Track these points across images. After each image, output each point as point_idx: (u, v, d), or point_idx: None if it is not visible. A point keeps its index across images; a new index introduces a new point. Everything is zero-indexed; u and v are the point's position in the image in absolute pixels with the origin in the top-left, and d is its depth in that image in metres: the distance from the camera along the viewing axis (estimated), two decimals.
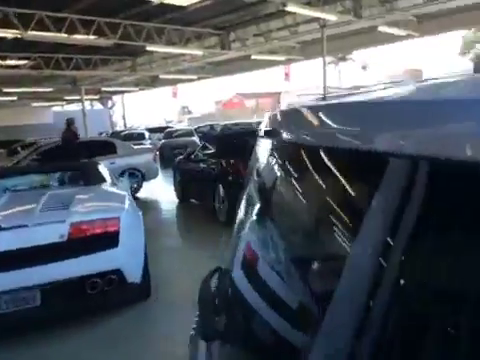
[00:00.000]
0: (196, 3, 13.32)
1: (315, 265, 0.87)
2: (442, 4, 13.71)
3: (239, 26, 16.78)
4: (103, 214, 3.69)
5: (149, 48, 15.91)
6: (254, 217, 1.19)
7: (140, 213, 4.22)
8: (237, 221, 1.39)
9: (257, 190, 1.20)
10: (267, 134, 0.89)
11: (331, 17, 13.41)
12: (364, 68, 52.79)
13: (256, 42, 17.78)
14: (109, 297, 3.57)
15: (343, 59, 46.59)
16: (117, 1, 12.45)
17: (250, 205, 1.29)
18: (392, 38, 17.00)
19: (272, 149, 0.99)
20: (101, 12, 13.29)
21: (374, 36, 16.69)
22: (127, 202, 4.12)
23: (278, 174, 0.98)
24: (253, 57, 19.41)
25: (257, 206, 1.19)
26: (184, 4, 13.46)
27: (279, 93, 40.74)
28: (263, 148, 1.20)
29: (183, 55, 19.34)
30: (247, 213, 1.30)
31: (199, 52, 17.55)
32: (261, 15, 15.30)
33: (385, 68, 75.86)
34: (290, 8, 11.86)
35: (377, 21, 14.78)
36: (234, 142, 8.22)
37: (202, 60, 20.60)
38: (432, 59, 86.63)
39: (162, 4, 13.09)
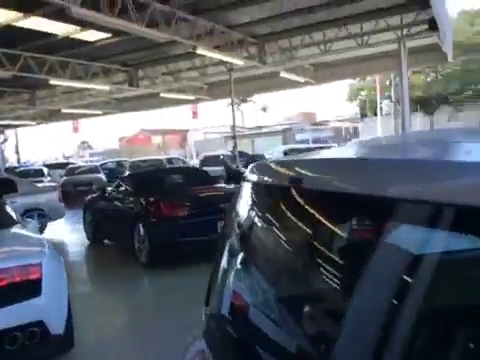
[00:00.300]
0: (103, 39, 13.20)
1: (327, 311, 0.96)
2: (334, 56, 15.32)
3: (148, 64, 16.88)
4: (23, 260, 3.39)
5: (52, 82, 15.22)
6: (262, 264, 1.24)
7: (61, 257, 3.95)
8: (221, 269, 1.42)
9: (260, 234, 1.26)
10: (292, 182, 0.98)
11: (238, 62, 14.16)
12: (264, 110, 55.98)
13: (165, 81, 17.99)
14: (30, 352, 3.24)
15: (245, 101, 48.89)
16: (18, 32, 11.81)
17: (245, 251, 1.34)
18: (292, 83, 18.38)
19: (287, 196, 1.07)
20: None
21: (277, 81, 17.90)
22: (47, 246, 3.85)
23: (298, 219, 1.06)
24: (162, 95, 19.54)
25: (264, 253, 1.24)
26: (91, 40, 13.26)
27: (186, 130, 41.19)
28: (260, 195, 1.27)
29: (88, 89, 18.79)
30: (239, 260, 1.35)
31: (106, 87, 17.22)
32: (170, 55, 15.60)
33: (283, 110, 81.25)
34: (200, 51, 12.31)
35: (279, 67, 15.95)
36: (152, 180, 8.13)
37: (108, 95, 20.19)
38: (324, 104, 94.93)
39: (68, 38, 12.75)
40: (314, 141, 32.56)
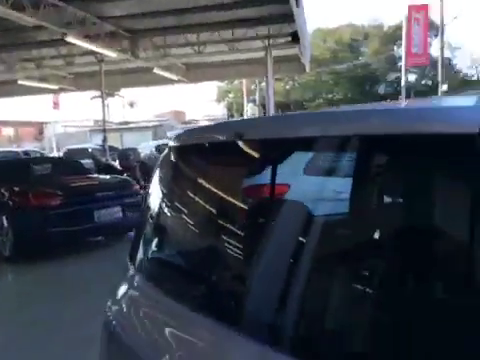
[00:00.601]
0: None
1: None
2: (207, 57, 15.97)
3: (4, 49, 15.30)
4: None
5: None
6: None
7: None
8: (149, 224, 1.69)
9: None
10: (236, 136, 1.20)
11: (110, 53, 13.77)
12: (131, 105, 54.53)
13: (25, 67, 16.54)
14: None
15: (112, 95, 46.97)
16: None
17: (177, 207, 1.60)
18: (165, 81, 18.49)
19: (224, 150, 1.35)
20: None
21: (149, 77, 17.82)
22: None
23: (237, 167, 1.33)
24: (20, 82, 17.88)
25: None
26: None
27: (42, 123, 38.02)
28: (193, 155, 1.54)
29: None
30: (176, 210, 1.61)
31: None
32: (34, 41, 14.42)
33: (151, 107, 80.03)
34: (70, 39, 11.72)
35: (152, 63, 15.96)
36: (16, 169, 7.69)
37: None
38: (193, 103, 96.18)
39: None
40: None
